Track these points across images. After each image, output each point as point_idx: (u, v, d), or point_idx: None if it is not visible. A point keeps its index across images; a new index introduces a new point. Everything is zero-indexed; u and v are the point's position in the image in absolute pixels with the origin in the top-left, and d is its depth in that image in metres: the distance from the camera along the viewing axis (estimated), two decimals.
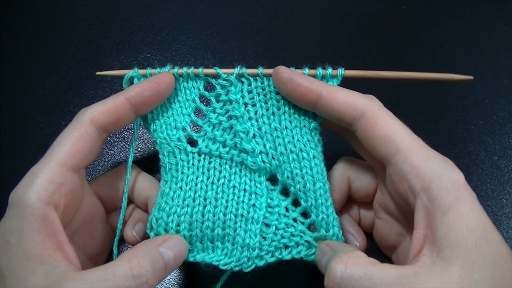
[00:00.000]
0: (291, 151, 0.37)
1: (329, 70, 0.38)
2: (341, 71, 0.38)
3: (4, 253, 0.30)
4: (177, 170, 0.38)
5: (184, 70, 0.39)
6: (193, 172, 0.38)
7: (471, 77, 0.39)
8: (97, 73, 0.42)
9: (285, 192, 0.39)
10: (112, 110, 0.36)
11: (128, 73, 0.39)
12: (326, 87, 0.36)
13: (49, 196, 0.31)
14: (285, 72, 0.37)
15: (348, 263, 0.30)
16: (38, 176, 0.32)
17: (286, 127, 0.38)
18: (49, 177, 0.32)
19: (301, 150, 0.37)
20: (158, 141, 0.39)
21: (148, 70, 0.39)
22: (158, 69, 0.40)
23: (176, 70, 0.40)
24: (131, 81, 0.40)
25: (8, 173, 0.49)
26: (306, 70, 0.38)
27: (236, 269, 0.37)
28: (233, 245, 0.37)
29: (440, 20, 0.59)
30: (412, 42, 0.57)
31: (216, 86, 0.40)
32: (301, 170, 0.37)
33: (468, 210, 0.30)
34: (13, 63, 0.56)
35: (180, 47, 0.57)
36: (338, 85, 0.38)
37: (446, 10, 0.59)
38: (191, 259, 0.37)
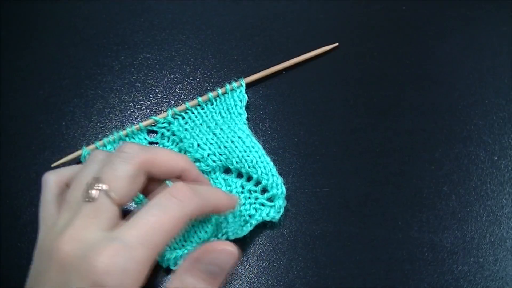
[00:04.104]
0: (232, 142, 0.46)
1: (234, 84, 0.48)
2: (242, 81, 0.49)
3: None
4: None
5: (128, 129, 0.47)
6: None
7: (336, 44, 0.50)
8: (53, 165, 0.48)
9: (239, 175, 0.46)
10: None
11: (79, 153, 0.47)
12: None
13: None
14: None
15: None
16: (136, 265, 0.30)
17: (221, 129, 0.47)
18: (143, 270, 0.31)
19: (239, 137, 0.46)
20: None
21: (96, 143, 0.47)
22: (105, 139, 0.47)
23: (121, 133, 0.47)
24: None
25: (8, 173, 0.49)
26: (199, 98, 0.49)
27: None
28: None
29: (440, 20, 0.59)
30: (412, 42, 0.57)
31: (158, 130, 0.49)
32: (245, 151, 0.45)
33: None
34: (13, 63, 0.56)
35: (180, 47, 0.57)
36: (246, 92, 0.48)
37: (446, 10, 0.59)
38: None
